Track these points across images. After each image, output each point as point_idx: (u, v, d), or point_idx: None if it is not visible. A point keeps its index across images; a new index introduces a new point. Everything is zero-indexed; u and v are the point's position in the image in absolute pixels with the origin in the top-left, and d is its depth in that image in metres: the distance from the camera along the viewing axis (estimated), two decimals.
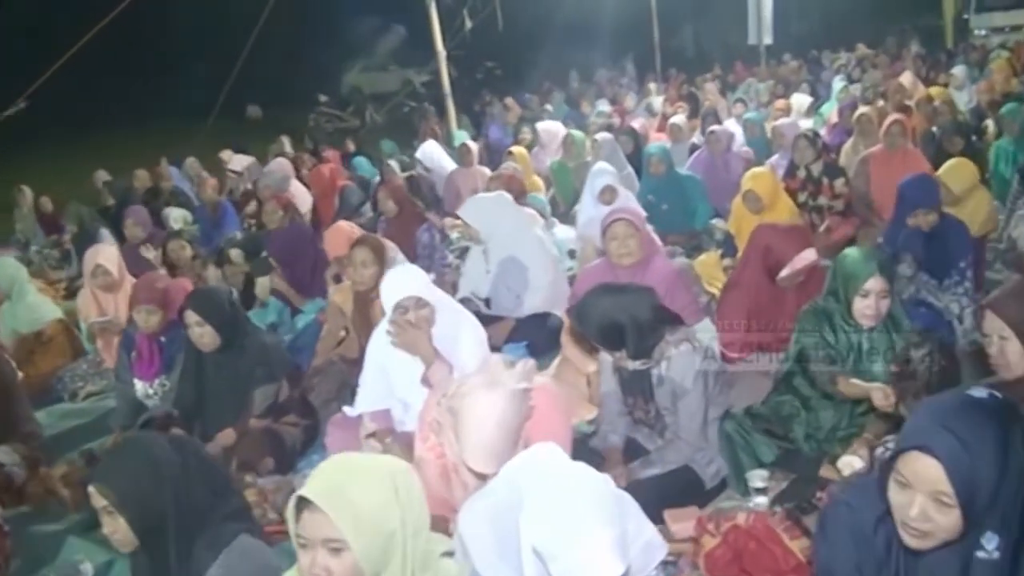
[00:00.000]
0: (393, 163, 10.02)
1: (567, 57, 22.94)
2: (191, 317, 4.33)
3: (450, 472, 3.08)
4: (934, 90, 10.02)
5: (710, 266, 6.36)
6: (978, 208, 5.86)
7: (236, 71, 12.37)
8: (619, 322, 3.48)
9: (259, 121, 24.48)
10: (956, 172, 5.77)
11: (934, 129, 8.55)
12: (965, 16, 20.66)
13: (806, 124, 10.03)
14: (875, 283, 3.62)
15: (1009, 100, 9.82)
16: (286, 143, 13.04)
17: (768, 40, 17.94)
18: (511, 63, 27.01)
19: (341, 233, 5.86)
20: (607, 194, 6.78)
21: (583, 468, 2.21)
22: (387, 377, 4.12)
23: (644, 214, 6.17)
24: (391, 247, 5.81)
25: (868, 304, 3.64)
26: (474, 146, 9.54)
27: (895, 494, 1.95)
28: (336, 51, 26.80)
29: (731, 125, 10.32)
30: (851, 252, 3.83)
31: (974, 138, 8.10)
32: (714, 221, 7.48)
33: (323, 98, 22.62)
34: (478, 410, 2.78)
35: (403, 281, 4.00)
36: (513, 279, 5.63)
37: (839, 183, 6.84)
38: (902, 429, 2.05)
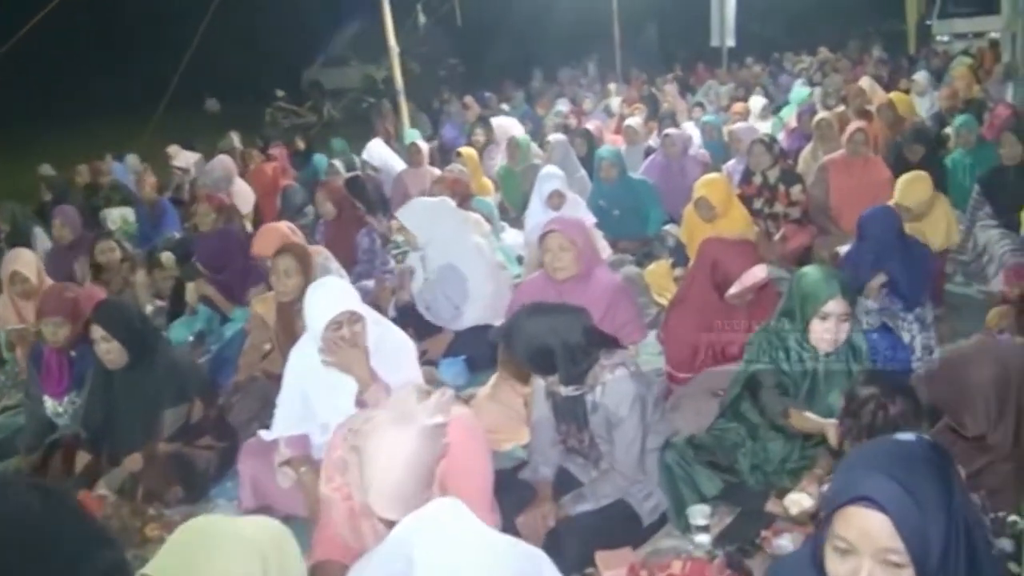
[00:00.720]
0: (338, 162, 9.66)
1: (531, 56, 22.70)
2: (97, 331, 4.06)
3: (358, 516, 2.78)
4: (895, 96, 9.84)
5: (660, 276, 6.11)
6: (939, 221, 5.65)
7: (185, 63, 11.99)
8: (549, 345, 3.20)
9: (217, 115, 24.01)
10: (911, 190, 5.49)
11: (899, 138, 8.36)
12: (928, 22, 20.63)
13: (763, 127, 9.86)
14: (836, 305, 3.37)
15: (971, 107, 9.70)
16: (235, 139, 12.61)
17: (731, 42, 17.87)
18: (474, 60, 26.75)
19: (273, 234, 5.52)
20: (555, 199, 6.58)
21: (484, 531, 1.93)
22: (307, 399, 3.80)
23: (589, 223, 5.95)
24: (323, 254, 5.51)
25: (827, 328, 3.40)
26: (424, 146, 9.18)
27: (835, 564, 1.67)
28: (297, 45, 26.39)
29: (689, 128, 10.10)
30: (811, 271, 3.57)
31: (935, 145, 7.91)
32: (667, 227, 7.23)
33: (280, 93, 22.17)
34: (385, 449, 2.45)
35: (334, 295, 3.61)
36: (452, 288, 5.35)
37: (796, 190, 6.66)
38: (831, 485, 1.79)
